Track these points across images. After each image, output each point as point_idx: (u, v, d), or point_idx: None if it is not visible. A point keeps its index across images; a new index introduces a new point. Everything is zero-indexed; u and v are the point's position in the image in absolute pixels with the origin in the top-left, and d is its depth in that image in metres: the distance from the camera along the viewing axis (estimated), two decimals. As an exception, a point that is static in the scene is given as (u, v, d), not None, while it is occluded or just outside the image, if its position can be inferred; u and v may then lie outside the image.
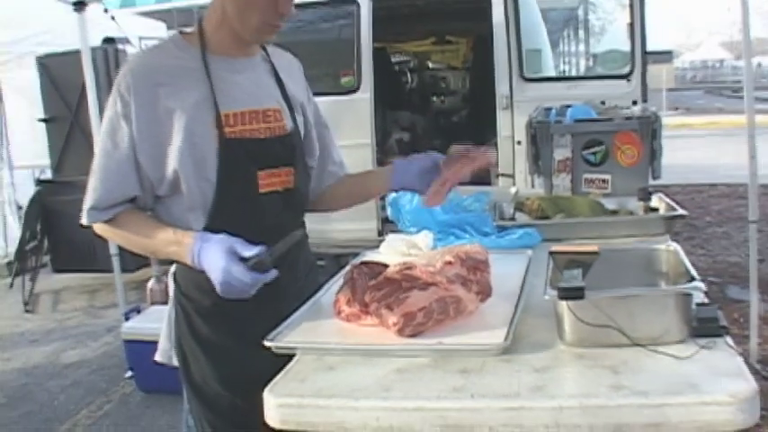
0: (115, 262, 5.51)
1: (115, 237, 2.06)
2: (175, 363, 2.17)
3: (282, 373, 1.65)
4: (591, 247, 1.87)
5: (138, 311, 5.03)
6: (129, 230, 2.01)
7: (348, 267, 2.00)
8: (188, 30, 2.08)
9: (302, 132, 2.18)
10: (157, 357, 2.23)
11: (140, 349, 4.59)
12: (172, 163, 1.93)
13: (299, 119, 2.17)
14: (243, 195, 2.00)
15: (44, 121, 7.52)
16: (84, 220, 2.01)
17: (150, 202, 2.03)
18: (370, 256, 2.41)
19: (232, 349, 2.04)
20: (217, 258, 1.83)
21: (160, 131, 1.93)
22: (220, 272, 1.82)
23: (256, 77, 2.09)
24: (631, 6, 5.99)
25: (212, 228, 1.96)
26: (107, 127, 1.96)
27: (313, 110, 2.30)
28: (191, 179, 1.95)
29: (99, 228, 2.04)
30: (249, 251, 1.83)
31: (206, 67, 1.97)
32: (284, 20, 1.99)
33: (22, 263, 7.35)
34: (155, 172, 1.96)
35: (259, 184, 2.02)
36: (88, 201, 1.98)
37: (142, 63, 2.01)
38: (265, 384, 1.58)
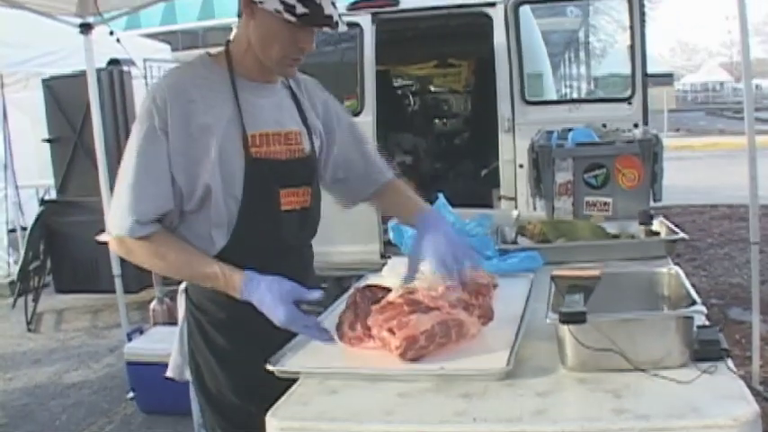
0: (118, 282, 5.52)
1: (148, 256, 2.02)
2: (187, 377, 2.22)
3: (285, 396, 1.67)
4: (592, 271, 1.88)
5: (141, 332, 5.03)
6: (170, 253, 2.01)
7: (351, 291, 2.02)
8: (214, 51, 2.16)
9: (318, 155, 2.25)
10: (169, 373, 2.28)
11: (142, 370, 4.59)
12: (204, 178, 1.99)
13: (317, 142, 2.24)
14: (265, 212, 2.07)
15: (49, 141, 7.55)
16: (123, 232, 1.97)
17: (177, 220, 2.06)
18: (373, 279, 2.43)
19: (247, 359, 2.04)
20: (275, 304, 1.87)
21: (194, 147, 1.98)
22: (283, 316, 1.86)
23: (279, 102, 2.17)
24: (632, 29, 6.02)
25: (235, 243, 2.04)
26: (142, 140, 1.97)
27: (347, 125, 2.38)
28: (219, 195, 2.01)
29: (129, 245, 2.00)
30: (307, 294, 1.90)
31: (234, 88, 2.06)
32: (304, 54, 2.06)
33: (24, 283, 7.35)
34: (187, 186, 2.00)
35: (281, 201, 2.10)
36: (129, 214, 1.95)
37: (176, 79, 2.05)
38: (281, 393, 1.63)
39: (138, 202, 1.95)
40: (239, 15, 2.06)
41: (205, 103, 2.00)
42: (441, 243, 2.00)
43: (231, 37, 2.17)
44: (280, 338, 1.89)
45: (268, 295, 1.88)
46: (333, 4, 1.98)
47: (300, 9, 1.91)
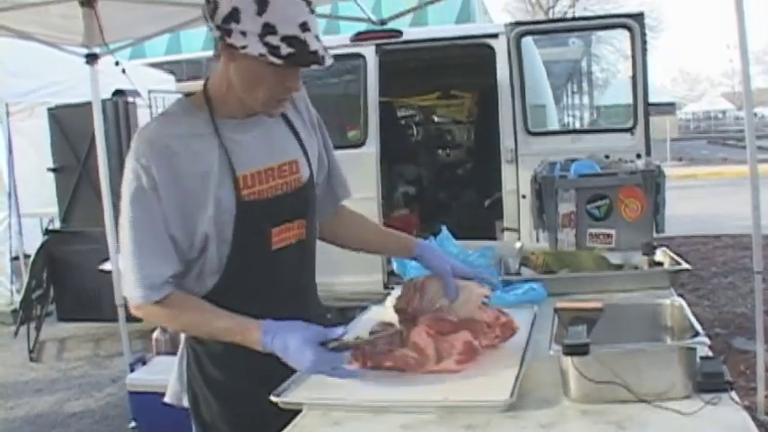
0: (120, 311, 5.51)
1: (166, 318, 2.04)
2: (185, 404, 2.21)
3: (289, 427, 1.67)
4: (595, 303, 1.89)
5: (144, 362, 5.00)
6: (185, 313, 1.99)
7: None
8: (194, 87, 2.11)
9: (318, 175, 2.23)
10: (167, 399, 2.27)
11: (145, 400, 4.57)
12: (202, 228, 1.96)
13: (314, 163, 2.20)
14: (256, 254, 2.03)
15: (53, 170, 7.59)
16: (137, 300, 1.95)
17: (182, 276, 2.03)
18: (376, 310, 2.44)
19: (242, 391, 2.07)
20: (301, 349, 1.82)
21: (188, 199, 1.94)
22: (310, 360, 1.80)
23: (268, 133, 2.09)
24: (633, 59, 6.06)
25: (224, 286, 2.01)
26: (134, 202, 1.94)
27: (318, 127, 2.31)
28: (213, 242, 1.98)
29: (146, 310, 1.98)
30: (332, 334, 1.86)
31: (217, 131, 1.99)
32: (291, 93, 2.01)
33: (27, 311, 7.34)
34: (186, 240, 1.97)
35: (272, 240, 2.05)
36: (137, 280, 1.93)
37: (156, 134, 1.97)
38: (276, 426, 1.62)
39: (143, 269, 1.93)
40: (215, 57, 1.97)
41: (190, 153, 1.95)
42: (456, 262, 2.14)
43: (209, 76, 2.08)
44: (275, 373, 1.86)
45: (291, 342, 1.83)
46: (317, 37, 1.89)
47: (286, 50, 1.82)
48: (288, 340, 1.84)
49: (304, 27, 1.85)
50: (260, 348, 1.88)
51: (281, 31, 1.82)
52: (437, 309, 2.03)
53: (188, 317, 1.99)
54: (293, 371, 1.89)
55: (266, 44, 1.82)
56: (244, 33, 1.83)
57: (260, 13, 1.82)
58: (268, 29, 1.82)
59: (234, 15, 1.84)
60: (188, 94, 2.10)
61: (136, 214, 1.94)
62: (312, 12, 1.90)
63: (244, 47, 1.83)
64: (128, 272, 1.95)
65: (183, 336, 2.22)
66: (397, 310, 2.08)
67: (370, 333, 2.00)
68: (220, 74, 1.99)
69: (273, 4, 1.83)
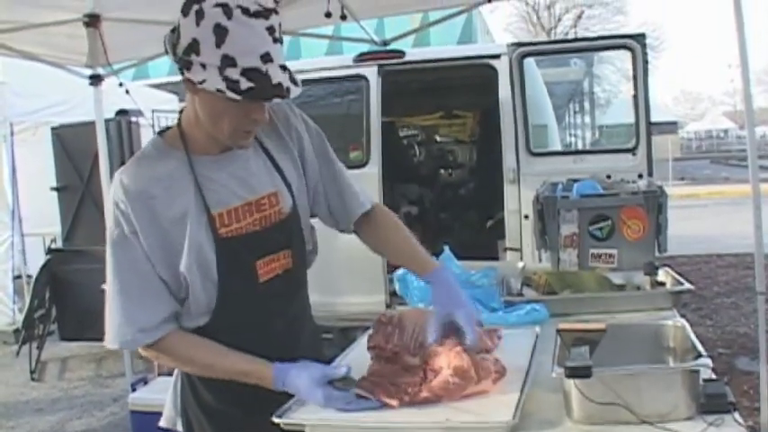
0: (123, 331, 5.50)
1: (169, 359, 2.02)
2: (179, 428, 2.20)
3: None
4: (598, 324, 1.89)
5: (145, 382, 5.00)
6: (189, 353, 1.99)
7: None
8: (169, 126, 2.07)
9: (304, 203, 2.17)
10: (162, 423, 2.26)
11: (147, 420, 4.54)
12: (183, 271, 1.93)
13: (298, 193, 2.14)
14: (244, 288, 2.01)
15: (56, 189, 7.61)
16: (130, 346, 1.97)
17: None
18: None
19: (236, 418, 2.07)
20: (312, 389, 1.86)
21: (168, 241, 1.92)
22: (322, 399, 1.84)
23: (245, 166, 2.04)
24: (635, 79, 6.08)
25: (216, 322, 2.00)
26: (116, 248, 1.93)
27: (318, 145, 2.23)
28: (197, 283, 1.95)
29: (148, 351, 1.99)
30: (336, 373, 1.89)
31: (192, 171, 1.96)
32: (258, 125, 1.96)
33: (29, 330, 7.34)
34: (172, 280, 1.95)
35: (258, 274, 2.02)
36: (130, 324, 1.92)
37: (133, 178, 1.94)
38: None
39: (132, 314, 1.92)
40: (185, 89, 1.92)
41: (167, 195, 1.92)
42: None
43: (182, 109, 2.04)
44: (268, 398, 1.86)
45: (301, 384, 1.87)
46: (282, 66, 1.82)
47: (245, 84, 1.76)
48: (298, 381, 1.87)
49: (266, 58, 1.79)
50: (275, 388, 1.91)
51: (241, 64, 1.77)
52: (420, 345, 1.99)
53: (200, 357, 1.99)
54: (288, 396, 1.89)
55: (225, 78, 1.76)
56: (203, 66, 1.79)
57: (218, 44, 1.77)
58: (227, 61, 1.77)
59: (194, 47, 1.80)
60: (162, 131, 2.07)
61: (119, 260, 1.94)
62: (276, 41, 1.82)
63: (202, 81, 1.79)
64: (113, 317, 1.94)
65: None
66: (374, 346, 2.02)
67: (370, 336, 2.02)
68: (189, 107, 1.96)
69: (233, 35, 1.77)
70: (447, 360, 1.80)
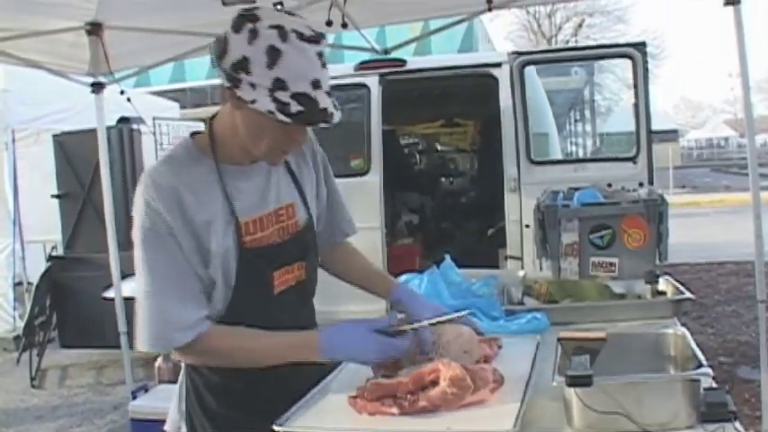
0: (123, 339, 5.50)
1: (209, 356, 1.99)
2: None
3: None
4: (599, 333, 1.89)
5: (146, 390, 5.00)
6: (232, 343, 1.97)
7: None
8: (199, 115, 2.12)
9: (318, 216, 2.24)
10: (166, 427, 2.27)
11: (147, 428, 4.54)
12: (210, 272, 1.95)
13: (313, 204, 2.21)
14: (258, 298, 2.02)
15: (57, 197, 7.62)
16: (166, 348, 1.95)
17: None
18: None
19: (239, 423, 2.07)
20: (364, 340, 1.89)
21: (198, 244, 1.93)
22: (374, 346, 1.88)
23: (266, 178, 2.08)
24: (636, 87, 6.10)
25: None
26: (151, 246, 1.91)
27: (322, 163, 2.31)
28: (220, 288, 1.97)
29: (184, 352, 1.96)
30: (382, 324, 1.94)
31: (221, 180, 1.98)
32: (297, 146, 2.03)
33: (29, 338, 7.33)
34: (205, 277, 1.96)
35: (274, 285, 2.05)
36: (167, 324, 1.90)
37: (164, 178, 1.94)
38: None
39: (176, 308, 1.90)
40: (222, 98, 1.96)
41: (196, 200, 1.93)
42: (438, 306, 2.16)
43: (215, 114, 2.05)
44: (272, 405, 1.86)
45: (352, 338, 1.90)
46: (327, 93, 1.85)
47: (295, 107, 1.78)
48: (348, 339, 1.89)
49: (316, 84, 1.82)
50: (320, 355, 1.91)
51: (292, 89, 1.79)
52: (422, 350, 2.00)
53: (242, 346, 1.97)
54: (291, 403, 1.89)
55: (275, 100, 1.78)
56: (253, 86, 1.80)
57: (270, 66, 1.78)
58: (279, 84, 1.79)
59: (243, 64, 1.80)
60: (193, 134, 2.08)
61: (154, 258, 1.91)
62: (324, 66, 1.85)
63: (253, 101, 1.80)
64: (148, 318, 1.90)
65: (183, 365, 2.22)
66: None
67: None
68: (226, 117, 1.97)
69: (286, 58, 1.79)
70: (444, 371, 1.80)
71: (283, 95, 1.79)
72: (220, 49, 1.85)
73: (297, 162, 2.19)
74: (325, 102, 1.83)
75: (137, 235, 1.93)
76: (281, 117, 1.78)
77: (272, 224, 2.05)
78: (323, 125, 1.87)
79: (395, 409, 1.78)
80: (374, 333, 1.89)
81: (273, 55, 1.78)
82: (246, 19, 1.83)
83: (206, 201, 1.94)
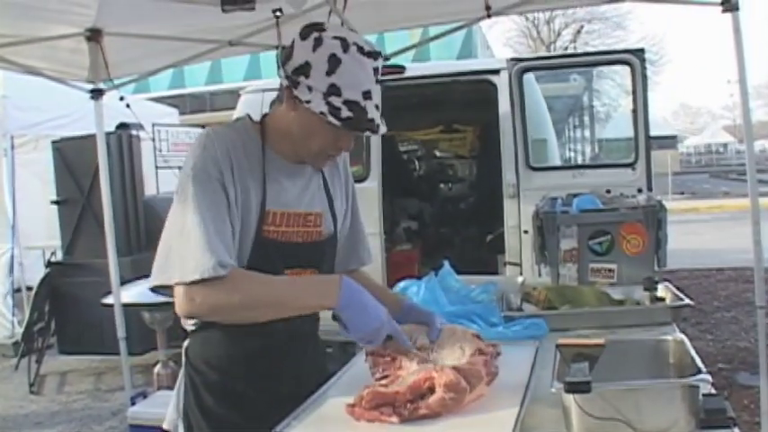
0: (122, 345, 5.50)
1: (230, 295, 1.91)
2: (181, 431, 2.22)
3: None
4: (597, 339, 1.89)
5: (145, 396, 4.99)
6: (252, 285, 1.95)
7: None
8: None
9: (342, 236, 2.31)
10: (165, 426, 2.29)
11: (146, 434, 4.55)
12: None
13: (340, 225, 2.27)
14: None
15: (57, 203, 7.62)
16: (210, 275, 1.86)
17: None
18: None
19: (235, 422, 2.10)
20: (377, 307, 1.93)
21: (241, 203, 1.99)
22: (383, 316, 1.92)
23: (306, 184, 2.17)
24: (635, 94, 6.10)
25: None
26: (199, 184, 1.93)
27: (352, 189, 2.41)
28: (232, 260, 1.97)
29: (204, 290, 1.89)
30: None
31: (263, 163, 2.06)
32: (342, 152, 2.12)
33: (28, 344, 7.33)
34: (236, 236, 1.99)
35: None
36: (212, 254, 1.87)
37: (225, 136, 2.03)
38: None
39: (215, 242, 1.88)
40: (279, 99, 2.06)
41: (241, 168, 2.00)
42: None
43: (267, 113, 2.16)
44: (270, 406, 1.89)
45: (369, 301, 1.92)
46: (376, 106, 1.98)
47: (345, 113, 1.91)
48: (366, 298, 1.92)
49: (366, 95, 1.95)
50: (335, 300, 1.90)
51: (345, 95, 1.92)
52: (419, 347, 2.03)
53: (256, 288, 1.95)
54: (288, 406, 1.89)
55: (328, 103, 1.91)
56: (310, 88, 1.93)
57: (329, 73, 1.92)
58: (333, 90, 1.92)
59: (304, 69, 1.94)
60: (251, 120, 2.16)
61: (201, 194, 1.92)
62: (378, 82, 2.00)
63: (308, 101, 1.93)
64: (192, 249, 1.88)
65: (182, 365, 2.23)
66: (372, 352, 2.04)
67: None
68: (281, 116, 2.07)
69: (344, 67, 1.92)
70: (438, 377, 1.80)
71: (336, 100, 1.92)
72: (286, 55, 1.98)
73: (331, 178, 2.28)
74: (373, 113, 1.96)
75: (187, 173, 1.96)
76: (331, 119, 1.91)
77: (297, 224, 2.12)
78: (369, 134, 2.00)
79: (394, 418, 1.77)
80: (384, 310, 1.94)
81: (333, 63, 1.92)
82: (314, 28, 1.97)
83: (248, 175, 2.02)
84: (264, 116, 2.15)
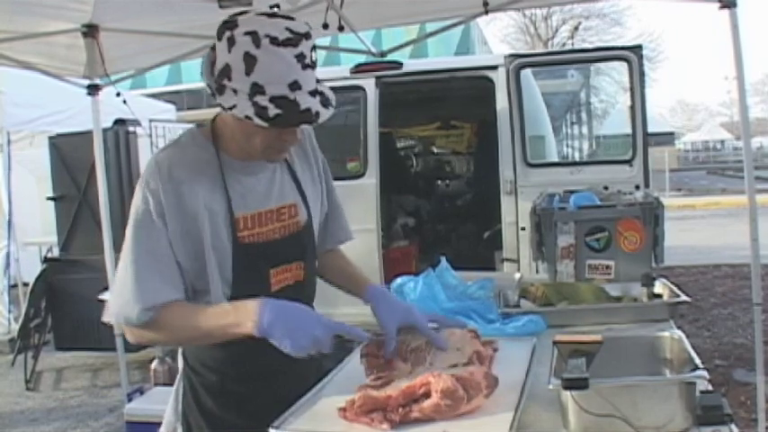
0: (119, 341, 5.50)
1: (158, 334, 1.96)
2: None
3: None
4: (594, 336, 1.89)
5: (141, 392, 4.98)
6: (176, 321, 1.94)
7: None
8: (195, 117, 2.14)
9: (319, 219, 2.25)
10: (162, 429, 2.27)
11: (143, 431, 4.54)
12: (206, 265, 1.96)
13: (315, 207, 2.22)
14: (256, 295, 1.97)
15: (53, 199, 7.60)
16: (132, 323, 1.91)
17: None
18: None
19: (234, 424, 2.08)
20: (317, 320, 1.86)
21: (192, 231, 1.94)
22: (322, 327, 1.84)
23: (271, 177, 2.11)
24: (632, 90, 6.10)
25: None
26: (139, 226, 1.93)
27: (324, 169, 2.33)
28: (216, 277, 1.97)
29: (141, 330, 1.95)
30: (338, 326, 1.91)
31: (221, 170, 2.00)
32: (291, 145, 2.02)
33: (24, 340, 7.32)
34: (193, 270, 1.96)
35: (271, 282, 2.06)
36: (136, 302, 1.89)
37: (167, 160, 1.97)
38: None
39: (142, 289, 1.89)
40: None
41: (196, 187, 1.95)
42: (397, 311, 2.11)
43: (219, 113, 2.06)
44: (269, 407, 1.86)
45: (304, 314, 1.86)
46: (312, 92, 1.86)
47: (273, 111, 1.80)
48: (293, 313, 1.85)
49: (294, 86, 1.83)
50: (253, 327, 1.83)
51: (270, 92, 1.81)
52: (414, 349, 2.01)
53: (182, 321, 1.94)
54: (288, 405, 1.88)
55: (255, 104, 1.81)
56: (235, 91, 1.84)
57: (248, 72, 1.81)
58: (256, 89, 1.82)
59: (226, 72, 1.85)
60: (199, 125, 2.11)
61: (139, 239, 1.93)
62: (306, 67, 1.85)
63: (233, 107, 1.83)
64: (121, 293, 1.92)
65: (180, 366, 2.22)
66: (367, 354, 2.03)
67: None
68: (223, 121, 2.02)
69: (261, 64, 1.81)
70: (435, 383, 1.78)
71: (262, 99, 1.81)
72: (211, 59, 1.90)
73: (300, 164, 2.22)
74: (307, 102, 1.83)
75: (132, 211, 1.96)
76: (258, 121, 1.81)
77: (272, 221, 2.08)
78: (306, 125, 1.92)
79: (385, 425, 1.75)
80: (318, 314, 1.87)
81: (249, 61, 1.81)
82: (226, 26, 1.86)
83: (205, 189, 1.97)
84: (214, 120, 2.07)
